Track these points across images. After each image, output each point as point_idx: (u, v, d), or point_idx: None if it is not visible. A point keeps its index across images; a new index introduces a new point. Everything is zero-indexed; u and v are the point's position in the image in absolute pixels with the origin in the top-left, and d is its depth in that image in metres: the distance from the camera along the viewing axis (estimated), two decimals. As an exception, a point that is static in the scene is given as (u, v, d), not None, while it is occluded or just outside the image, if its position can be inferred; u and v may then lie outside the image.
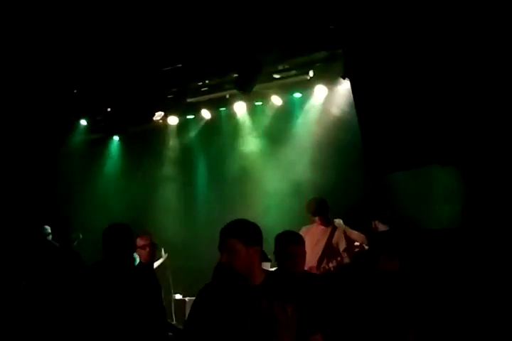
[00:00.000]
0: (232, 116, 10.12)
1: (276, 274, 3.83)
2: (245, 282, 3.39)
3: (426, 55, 5.76)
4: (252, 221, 3.60)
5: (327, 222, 7.55)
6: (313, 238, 7.35)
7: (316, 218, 7.54)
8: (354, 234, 7.53)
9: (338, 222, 7.62)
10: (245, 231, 3.47)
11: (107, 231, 4.73)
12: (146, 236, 6.67)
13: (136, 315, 4.41)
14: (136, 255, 6.44)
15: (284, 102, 9.47)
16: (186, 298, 9.27)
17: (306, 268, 5.72)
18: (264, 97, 9.43)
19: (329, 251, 7.41)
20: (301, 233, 7.42)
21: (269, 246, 3.96)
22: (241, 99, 9.61)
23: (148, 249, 6.62)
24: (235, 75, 8.51)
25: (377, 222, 7.49)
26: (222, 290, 3.41)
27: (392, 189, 7.99)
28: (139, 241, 6.52)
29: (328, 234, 7.47)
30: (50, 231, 8.02)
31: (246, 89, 8.32)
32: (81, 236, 8.88)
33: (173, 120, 10.34)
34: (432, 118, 5.76)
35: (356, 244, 7.62)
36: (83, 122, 10.44)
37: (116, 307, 4.38)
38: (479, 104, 5.46)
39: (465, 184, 6.59)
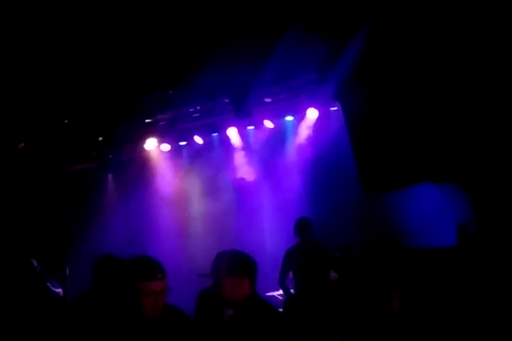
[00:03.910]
0: (224, 141, 10.13)
1: None
2: None
3: (415, 74, 5.79)
4: (249, 245, 3.58)
5: (307, 241, 7.49)
6: (295, 258, 7.36)
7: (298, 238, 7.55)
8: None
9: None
10: None
11: (96, 263, 4.82)
12: None
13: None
14: None
15: (277, 126, 9.49)
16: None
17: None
18: (256, 121, 9.44)
19: (309, 270, 7.36)
20: (286, 254, 7.48)
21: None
22: (233, 124, 9.62)
23: None
24: (226, 100, 8.56)
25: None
26: None
27: (386, 208, 7.97)
28: None
29: (307, 254, 7.42)
30: (36, 264, 7.92)
31: (242, 113, 8.36)
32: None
33: (165, 147, 10.33)
34: (423, 137, 5.77)
35: None
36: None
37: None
38: (470, 122, 5.48)
39: (458, 201, 6.57)
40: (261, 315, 3.43)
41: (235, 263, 3.52)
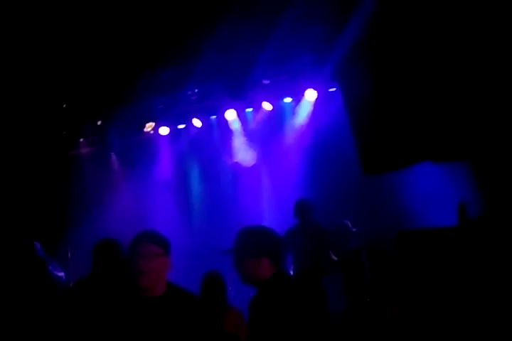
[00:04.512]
0: (223, 123, 10.10)
1: None
2: None
3: (416, 53, 5.76)
4: (249, 225, 3.56)
5: (307, 223, 7.52)
6: (294, 240, 7.41)
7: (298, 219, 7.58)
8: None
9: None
10: None
11: (96, 247, 4.83)
12: None
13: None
14: None
15: (275, 108, 9.46)
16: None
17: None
18: (255, 103, 9.41)
19: (308, 252, 7.40)
20: (285, 235, 7.51)
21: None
22: (231, 106, 9.58)
23: None
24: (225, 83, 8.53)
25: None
26: None
27: (386, 189, 7.97)
28: None
29: (306, 236, 7.45)
30: (39, 247, 7.93)
31: (238, 96, 8.33)
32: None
33: (164, 130, 10.31)
34: (422, 116, 5.75)
35: None
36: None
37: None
38: (469, 101, 5.46)
39: (459, 180, 6.56)
40: (284, 296, 3.28)
41: (253, 243, 3.38)
